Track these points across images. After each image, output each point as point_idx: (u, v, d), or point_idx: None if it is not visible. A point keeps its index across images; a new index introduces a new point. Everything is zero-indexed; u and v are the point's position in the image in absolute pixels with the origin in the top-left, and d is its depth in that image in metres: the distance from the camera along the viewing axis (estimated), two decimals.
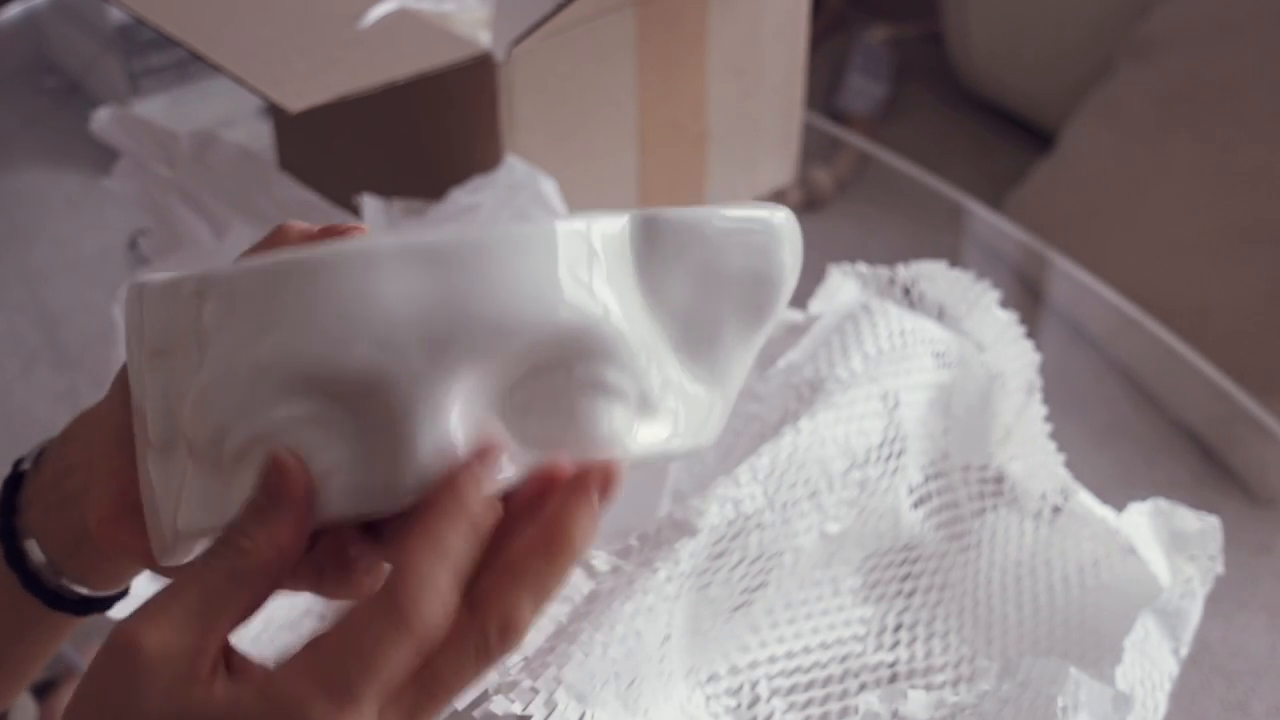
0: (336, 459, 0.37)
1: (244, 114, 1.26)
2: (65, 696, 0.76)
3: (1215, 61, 1.50)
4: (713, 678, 0.59)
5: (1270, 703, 0.81)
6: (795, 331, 0.68)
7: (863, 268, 0.70)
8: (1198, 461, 1.04)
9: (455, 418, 0.36)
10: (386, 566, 0.40)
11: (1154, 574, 0.65)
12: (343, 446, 0.37)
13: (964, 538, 0.67)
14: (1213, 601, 0.64)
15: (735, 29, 0.88)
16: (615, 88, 0.83)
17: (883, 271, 0.70)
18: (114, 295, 0.79)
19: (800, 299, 0.70)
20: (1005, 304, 0.70)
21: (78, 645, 0.77)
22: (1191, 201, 1.47)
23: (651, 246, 0.40)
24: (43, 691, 0.82)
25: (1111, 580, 0.66)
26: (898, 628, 0.64)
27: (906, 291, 0.70)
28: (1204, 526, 0.66)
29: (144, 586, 0.46)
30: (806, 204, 1.38)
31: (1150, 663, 0.59)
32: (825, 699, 0.60)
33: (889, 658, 0.62)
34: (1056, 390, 0.71)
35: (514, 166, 0.78)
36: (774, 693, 0.60)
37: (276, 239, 0.42)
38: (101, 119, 0.85)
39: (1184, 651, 0.61)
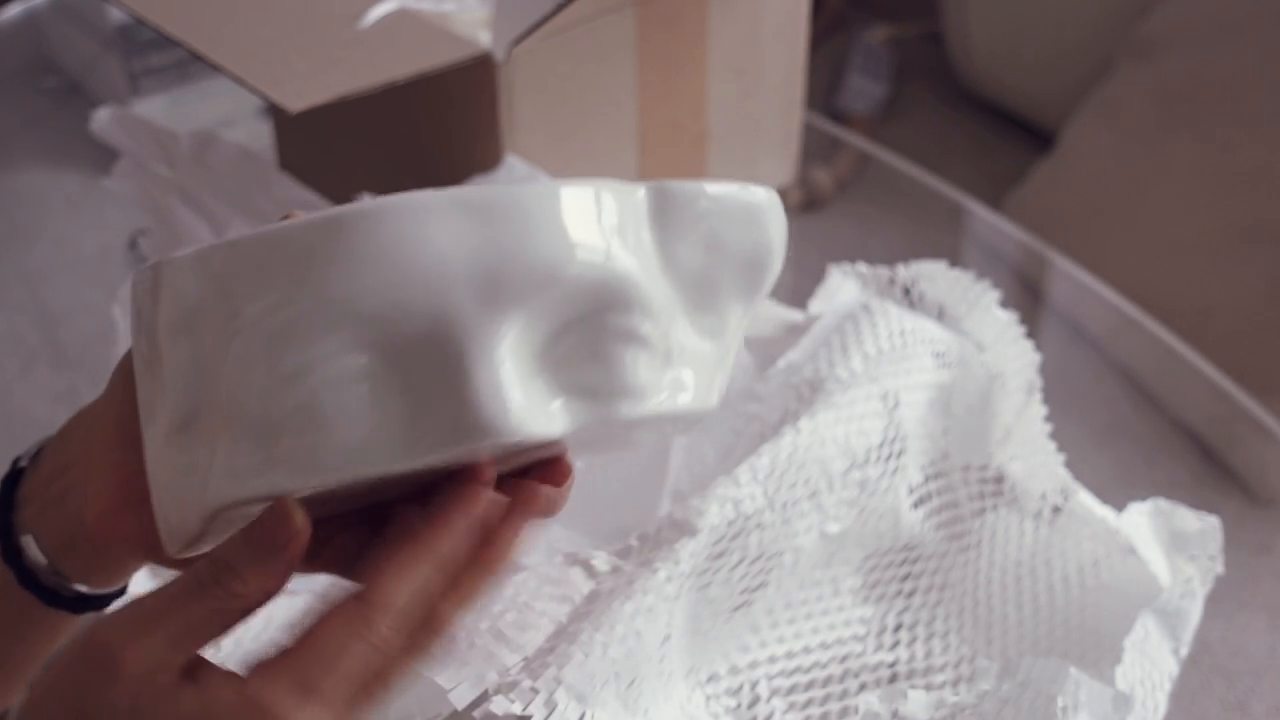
0: (388, 412, 0.37)
1: (244, 114, 1.26)
2: None
3: (1215, 61, 1.50)
4: (713, 678, 0.59)
5: (1270, 703, 0.81)
6: (795, 331, 0.68)
7: (863, 268, 0.70)
8: (1198, 461, 1.04)
9: (508, 366, 0.38)
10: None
11: (1154, 574, 0.65)
12: (394, 400, 0.37)
13: (964, 538, 0.67)
14: (1213, 601, 0.64)
15: (735, 29, 0.88)
16: (615, 88, 0.83)
17: (883, 271, 0.70)
18: (114, 295, 0.79)
19: (800, 299, 0.71)
20: (1005, 304, 0.70)
21: None
22: (1191, 201, 1.47)
23: (666, 215, 0.42)
24: None
25: (1111, 580, 0.66)
26: (898, 628, 0.64)
27: (906, 291, 0.70)
28: (1204, 526, 0.66)
29: (142, 586, 0.46)
30: (806, 204, 1.38)
31: (1150, 663, 0.59)
32: (825, 699, 0.60)
33: (889, 658, 0.62)
34: (1056, 390, 0.71)
35: (514, 166, 0.78)
36: (774, 693, 0.60)
37: None
38: (101, 119, 0.85)
39: (1184, 651, 0.61)
